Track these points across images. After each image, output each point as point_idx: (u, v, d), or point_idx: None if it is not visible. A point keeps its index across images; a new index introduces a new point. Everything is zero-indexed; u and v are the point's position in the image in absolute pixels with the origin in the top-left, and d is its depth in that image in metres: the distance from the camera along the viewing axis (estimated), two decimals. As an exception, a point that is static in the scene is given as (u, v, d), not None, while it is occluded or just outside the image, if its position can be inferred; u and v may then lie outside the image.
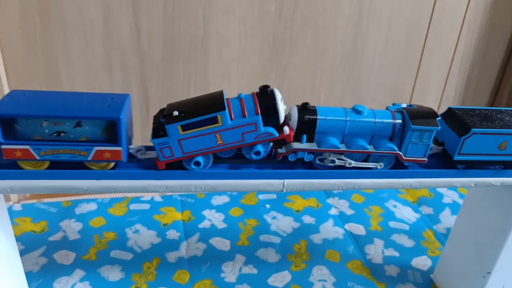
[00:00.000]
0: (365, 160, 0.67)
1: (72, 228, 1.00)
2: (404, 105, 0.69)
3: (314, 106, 0.65)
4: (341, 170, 0.66)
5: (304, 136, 0.64)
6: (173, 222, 1.01)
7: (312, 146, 0.64)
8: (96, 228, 1.00)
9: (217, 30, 1.06)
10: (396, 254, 0.98)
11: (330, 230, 1.03)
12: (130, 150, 0.64)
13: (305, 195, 1.15)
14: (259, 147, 0.62)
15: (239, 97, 0.63)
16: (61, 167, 0.60)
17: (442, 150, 0.72)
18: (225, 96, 0.62)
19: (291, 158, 0.64)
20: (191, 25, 1.05)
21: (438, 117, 0.66)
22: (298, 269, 0.92)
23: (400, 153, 0.66)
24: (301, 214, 1.08)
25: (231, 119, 0.60)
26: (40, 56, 1.01)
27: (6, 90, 1.00)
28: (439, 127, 0.65)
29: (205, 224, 1.02)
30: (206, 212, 1.06)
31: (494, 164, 0.71)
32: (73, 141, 0.58)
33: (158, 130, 0.60)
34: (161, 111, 0.64)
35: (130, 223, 1.00)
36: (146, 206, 1.06)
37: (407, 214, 1.12)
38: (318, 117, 0.63)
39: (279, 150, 0.64)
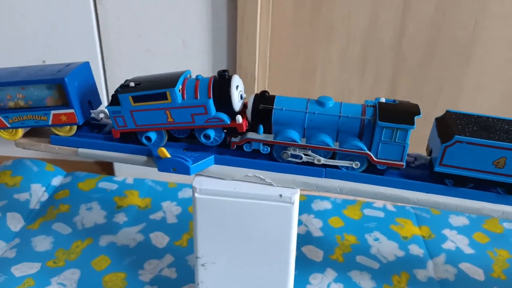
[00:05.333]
0: (332, 158, 0.61)
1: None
2: (383, 100, 0.60)
3: (273, 96, 0.61)
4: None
5: (261, 127, 0.61)
6: (412, 236, 0.97)
7: (268, 137, 0.60)
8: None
9: (486, 39, 0.98)
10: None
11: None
12: (93, 114, 0.67)
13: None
14: (210, 131, 0.61)
15: (196, 78, 0.61)
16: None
17: (430, 160, 0.61)
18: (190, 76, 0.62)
19: (246, 148, 0.61)
20: (458, 31, 0.98)
21: (417, 115, 0.56)
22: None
23: (370, 153, 0.58)
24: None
25: (183, 98, 0.60)
26: (301, 52, 1.04)
27: (261, 86, 1.05)
28: (414, 126, 0.56)
29: (449, 245, 0.95)
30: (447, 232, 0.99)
31: (491, 185, 0.58)
32: (34, 107, 0.63)
33: (114, 98, 0.61)
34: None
35: (368, 229, 0.99)
36: (381, 214, 1.03)
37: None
38: (274, 107, 0.60)
39: (233, 139, 0.61)
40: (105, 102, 1.06)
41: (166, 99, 0.59)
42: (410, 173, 0.62)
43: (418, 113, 0.56)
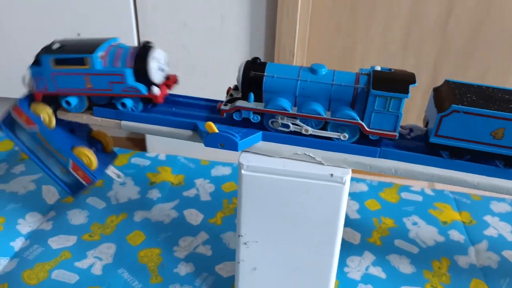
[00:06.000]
0: (324, 129, 0.58)
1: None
2: (378, 68, 0.57)
3: (264, 62, 0.59)
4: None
5: (251, 95, 0.58)
6: (452, 222, 0.94)
7: (258, 105, 0.58)
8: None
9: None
10: None
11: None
12: None
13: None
14: (127, 100, 0.62)
15: (119, 46, 0.61)
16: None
17: (426, 132, 0.59)
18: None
19: (235, 116, 0.60)
20: (507, 14, 0.93)
21: (413, 83, 0.53)
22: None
23: (362, 123, 0.56)
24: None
25: (104, 65, 0.60)
26: (342, 31, 1.01)
27: (300, 61, 1.02)
28: (408, 95, 0.53)
29: (491, 232, 0.93)
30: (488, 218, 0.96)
31: (489, 158, 0.55)
32: None
33: (36, 59, 0.61)
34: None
35: (406, 213, 0.96)
36: (419, 198, 1.00)
37: None
38: (265, 74, 0.57)
39: (223, 107, 0.60)
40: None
41: (85, 64, 0.59)
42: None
43: (413, 82, 0.54)
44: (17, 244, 0.83)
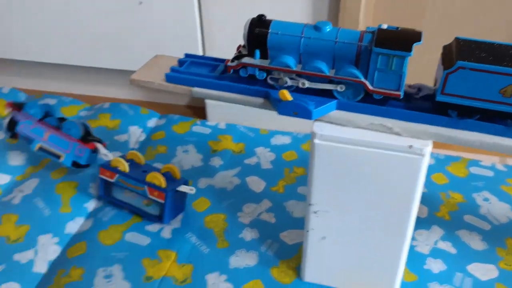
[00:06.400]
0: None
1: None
2: (385, 26, 0.55)
3: (270, 19, 0.58)
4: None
5: (257, 52, 0.59)
6: (525, 199, 0.89)
7: (263, 62, 0.59)
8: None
9: None
10: None
11: None
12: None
13: None
14: None
15: None
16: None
17: (434, 92, 0.56)
18: None
19: (242, 73, 0.60)
20: None
21: (417, 41, 0.51)
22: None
23: (365, 82, 0.55)
24: None
25: None
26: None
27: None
28: (411, 53, 0.51)
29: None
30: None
31: (499, 117, 0.52)
32: None
33: None
34: None
35: (476, 188, 0.92)
36: (489, 173, 0.96)
37: None
38: (270, 30, 0.57)
39: (229, 63, 0.60)
40: (199, 47, 1.04)
41: None
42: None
43: (418, 40, 0.52)
44: (91, 205, 0.87)
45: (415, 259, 0.77)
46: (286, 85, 0.59)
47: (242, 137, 1.08)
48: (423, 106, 0.58)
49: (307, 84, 0.58)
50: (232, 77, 0.63)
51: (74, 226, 0.83)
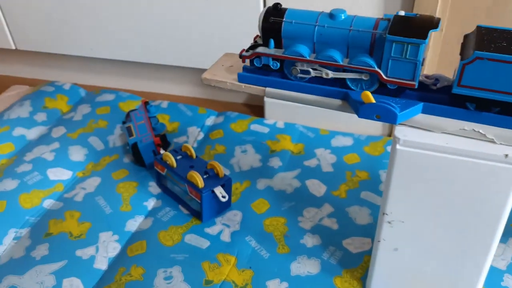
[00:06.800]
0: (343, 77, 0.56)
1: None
2: (402, 13, 0.53)
3: (285, 8, 0.57)
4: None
5: (271, 41, 0.58)
6: None
7: (277, 52, 0.58)
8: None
9: None
10: None
11: None
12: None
13: None
14: None
15: None
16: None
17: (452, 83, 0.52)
18: None
19: (256, 63, 0.59)
20: None
21: (434, 28, 0.49)
22: None
23: (379, 71, 0.53)
24: None
25: None
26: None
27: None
28: (426, 41, 0.49)
29: None
30: None
31: None
32: None
33: None
34: None
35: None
36: None
37: None
38: (284, 19, 0.56)
39: (244, 53, 0.59)
40: (250, 27, 1.00)
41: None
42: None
43: (435, 27, 0.49)
44: (150, 204, 0.87)
45: (490, 275, 0.71)
46: (309, 76, 0.58)
47: (301, 137, 1.04)
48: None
49: (331, 74, 0.56)
50: (309, 79, 0.60)
51: (134, 224, 0.82)
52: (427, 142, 0.52)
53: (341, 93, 0.57)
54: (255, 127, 1.07)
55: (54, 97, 1.16)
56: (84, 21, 1.15)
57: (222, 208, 0.84)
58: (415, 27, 0.50)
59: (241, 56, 0.60)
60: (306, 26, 0.56)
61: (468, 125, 0.52)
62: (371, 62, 0.53)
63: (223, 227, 0.81)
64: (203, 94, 1.25)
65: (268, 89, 0.60)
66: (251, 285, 0.72)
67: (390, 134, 1.06)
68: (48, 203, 0.87)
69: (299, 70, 0.57)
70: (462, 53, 0.51)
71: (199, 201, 0.80)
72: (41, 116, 1.10)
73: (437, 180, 0.54)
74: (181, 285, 0.71)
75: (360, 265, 0.75)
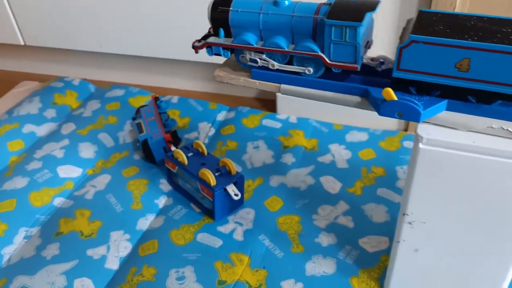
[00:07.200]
0: (290, 63, 0.57)
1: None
2: None
3: None
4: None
5: (221, 30, 0.59)
6: None
7: (227, 41, 0.59)
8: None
9: None
10: None
11: None
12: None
13: None
14: None
15: None
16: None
17: None
18: None
19: (208, 53, 0.60)
20: None
21: (370, 11, 0.50)
22: None
23: (322, 55, 0.54)
24: None
25: None
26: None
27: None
28: (362, 23, 0.50)
29: None
30: None
31: (460, 93, 0.49)
32: None
33: None
34: None
35: None
36: None
37: None
38: (231, 8, 0.57)
39: (196, 44, 0.60)
40: None
41: None
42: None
43: (372, 9, 0.50)
44: (161, 201, 0.85)
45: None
46: (257, 65, 0.58)
47: (314, 133, 1.02)
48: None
49: (277, 65, 0.57)
50: (324, 74, 0.58)
51: (145, 222, 0.81)
52: (452, 141, 0.49)
53: (361, 89, 0.54)
54: (267, 122, 1.05)
55: (63, 93, 1.15)
56: (93, 16, 1.13)
57: (235, 206, 0.82)
58: (352, 11, 0.51)
59: (193, 46, 0.61)
60: (251, 14, 0.56)
61: (496, 123, 0.49)
62: (315, 47, 0.54)
63: (236, 225, 0.79)
64: (214, 88, 1.23)
65: (283, 86, 0.58)
66: (265, 286, 0.70)
67: (406, 129, 1.03)
68: (58, 201, 0.86)
69: (248, 59, 0.58)
70: (401, 37, 0.51)
71: (211, 199, 0.78)
72: (50, 113, 1.09)
73: (462, 179, 0.51)
74: (194, 286, 0.69)
75: (377, 265, 0.73)
